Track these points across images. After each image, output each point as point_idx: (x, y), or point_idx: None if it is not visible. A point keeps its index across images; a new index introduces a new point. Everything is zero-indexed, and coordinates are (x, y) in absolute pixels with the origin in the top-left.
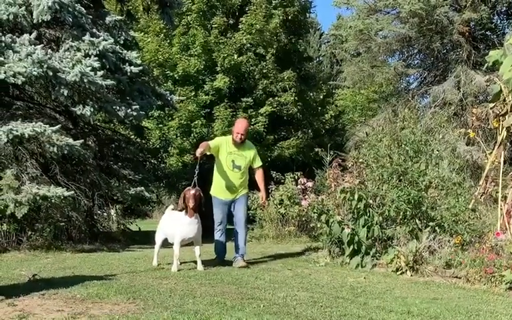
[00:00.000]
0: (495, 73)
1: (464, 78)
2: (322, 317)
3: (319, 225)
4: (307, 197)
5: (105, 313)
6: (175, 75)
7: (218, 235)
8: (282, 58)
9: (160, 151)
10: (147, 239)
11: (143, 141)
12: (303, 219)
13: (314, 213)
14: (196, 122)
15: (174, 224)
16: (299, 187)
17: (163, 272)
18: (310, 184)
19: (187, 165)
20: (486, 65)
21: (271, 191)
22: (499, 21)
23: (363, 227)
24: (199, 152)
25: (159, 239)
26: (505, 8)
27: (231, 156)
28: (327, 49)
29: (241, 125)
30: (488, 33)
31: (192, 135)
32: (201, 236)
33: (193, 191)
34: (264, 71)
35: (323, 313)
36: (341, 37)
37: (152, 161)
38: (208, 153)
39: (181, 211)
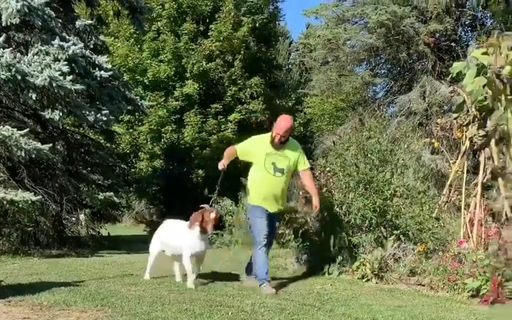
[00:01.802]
0: (459, 83)
1: (429, 88)
2: None
3: (287, 232)
4: None
5: None
6: (145, 80)
7: (259, 250)
8: (251, 65)
9: (130, 155)
10: (116, 244)
11: (113, 146)
12: None
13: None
14: (166, 127)
15: (181, 236)
16: None
17: (131, 278)
18: None
19: (157, 170)
20: (450, 75)
21: (240, 197)
22: (463, 33)
23: (330, 234)
24: (221, 165)
25: (154, 250)
26: (469, 20)
27: (271, 157)
28: (296, 57)
29: (283, 123)
30: (452, 44)
31: (162, 140)
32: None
33: (213, 215)
34: (233, 77)
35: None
36: (309, 46)
37: (122, 165)
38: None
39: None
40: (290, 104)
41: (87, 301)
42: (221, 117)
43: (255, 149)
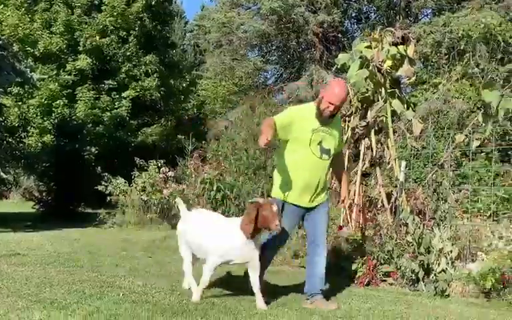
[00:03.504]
0: (344, 74)
1: (316, 77)
2: (179, 305)
3: (179, 214)
4: (168, 185)
5: None
6: (36, 52)
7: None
8: (146, 42)
9: (18, 129)
10: (1, 221)
11: (0, 119)
12: (165, 206)
13: (175, 201)
14: (57, 102)
15: (220, 237)
16: (161, 175)
17: (18, 258)
18: (171, 173)
19: (47, 146)
20: (335, 66)
21: (134, 177)
22: (349, 25)
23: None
24: (264, 141)
25: (185, 251)
26: (355, 13)
27: (318, 135)
28: (191, 38)
29: (338, 90)
30: (339, 35)
31: (53, 114)
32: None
33: (275, 208)
34: (127, 53)
35: (180, 301)
36: (204, 28)
37: (9, 140)
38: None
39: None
40: (184, 84)
41: None
42: (115, 93)
43: (298, 123)
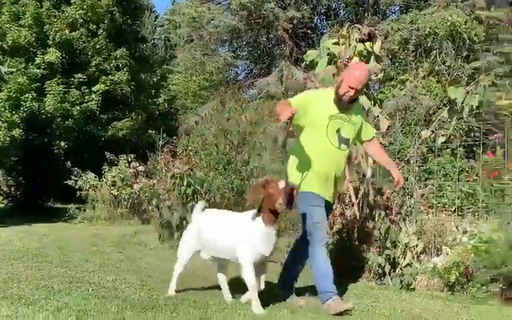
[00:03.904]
0: (313, 70)
1: (286, 73)
2: (149, 300)
3: (150, 208)
4: (138, 180)
5: None
6: (4, 45)
7: (321, 251)
8: (116, 36)
9: None
10: None
11: None
12: (135, 201)
13: (145, 196)
14: (26, 95)
15: (238, 232)
16: (131, 170)
17: None
18: (141, 168)
19: (16, 140)
20: (304, 62)
21: (104, 172)
22: (318, 22)
23: (191, 212)
24: (288, 114)
25: (185, 253)
26: (324, 10)
27: (335, 122)
28: (162, 33)
29: (359, 73)
30: (309, 31)
31: (22, 108)
32: None
33: (282, 184)
34: (97, 47)
35: (150, 296)
36: (175, 22)
37: None
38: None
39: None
40: (155, 79)
41: None
42: (85, 87)
43: (314, 107)
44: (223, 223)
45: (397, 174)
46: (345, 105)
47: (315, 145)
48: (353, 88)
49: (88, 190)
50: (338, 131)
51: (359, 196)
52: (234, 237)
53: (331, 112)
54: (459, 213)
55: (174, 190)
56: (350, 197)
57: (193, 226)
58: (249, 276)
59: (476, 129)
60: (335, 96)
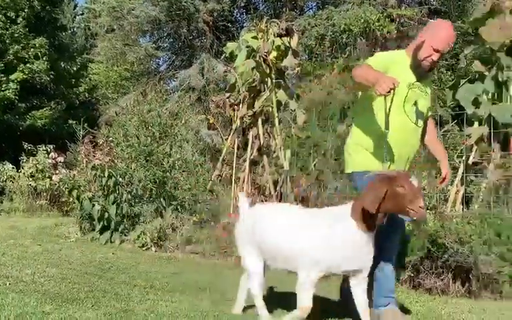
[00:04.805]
0: (233, 63)
1: (207, 65)
2: (69, 293)
3: (70, 200)
4: (58, 171)
5: None
6: None
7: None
8: (35, 24)
9: None
10: None
11: None
12: (55, 192)
13: (65, 188)
14: None
15: (318, 233)
16: (50, 161)
17: None
18: (61, 159)
19: None
20: (224, 55)
21: (22, 162)
22: (238, 15)
23: (113, 203)
24: (389, 84)
25: (256, 266)
26: (243, 3)
27: (414, 93)
28: (81, 22)
29: (444, 33)
30: (229, 24)
31: None
32: None
33: (416, 181)
34: (15, 35)
35: (70, 289)
36: (94, 11)
37: None
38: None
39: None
40: (75, 68)
41: None
42: (2, 75)
43: (392, 72)
44: (291, 219)
45: (446, 169)
46: (423, 72)
47: (392, 119)
48: (439, 51)
49: (5, 181)
50: (416, 103)
51: (277, 188)
52: (306, 237)
53: (409, 79)
54: None
55: (95, 181)
56: (269, 188)
57: (241, 226)
58: (304, 300)
59: None
60: (411, 61)
